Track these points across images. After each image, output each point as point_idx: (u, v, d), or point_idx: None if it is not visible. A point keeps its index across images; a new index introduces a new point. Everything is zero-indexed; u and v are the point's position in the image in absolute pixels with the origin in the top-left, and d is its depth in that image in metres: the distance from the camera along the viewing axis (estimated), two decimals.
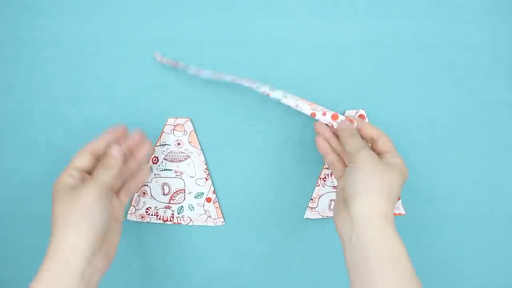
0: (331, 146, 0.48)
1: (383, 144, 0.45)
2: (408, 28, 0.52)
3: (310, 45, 0.52)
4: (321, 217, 0.52)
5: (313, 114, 0.47)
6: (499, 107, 0.53)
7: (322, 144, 0.47)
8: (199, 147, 0.52)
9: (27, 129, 0.52)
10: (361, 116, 0.52)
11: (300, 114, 0.52)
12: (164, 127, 0.52)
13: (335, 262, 0.53)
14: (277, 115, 0.52)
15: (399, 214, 0.53)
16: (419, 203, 0.53)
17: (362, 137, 0.46)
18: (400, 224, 0.53)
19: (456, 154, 0.53)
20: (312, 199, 0.52)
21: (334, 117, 0.47)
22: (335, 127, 0.47)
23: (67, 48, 0.51)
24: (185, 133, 0.52)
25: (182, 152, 0.52)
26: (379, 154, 0.45)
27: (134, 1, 0.51)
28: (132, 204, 0.52)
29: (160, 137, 0.52)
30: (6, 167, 0.52)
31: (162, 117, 0.52)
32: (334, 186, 0.52)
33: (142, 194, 0.52)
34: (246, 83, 0.47)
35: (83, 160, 0.43)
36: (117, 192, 0.47)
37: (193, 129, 0.52)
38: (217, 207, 0.52)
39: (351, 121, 0.47)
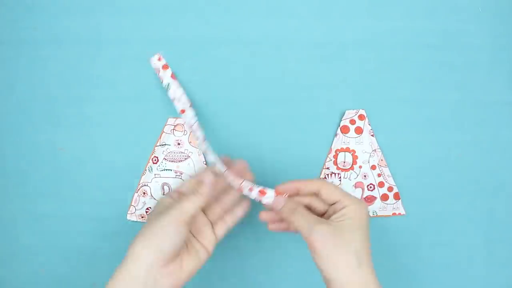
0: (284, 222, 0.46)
1: (327, 195, 0.43)
2: (408, 28, 0.52)
3: (310, 45, 0.52)
4: None
5: (239, 190, 0.45)
6: (499, 107, 0.53)
7: (276, 228, 0.46)
8: (199, 147, 0.52)
9: (26, 129, 0.52)
10: (360, 116, 0.52)
11: (299, 116, 0.52)
12: (164, 127, 0.52)
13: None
14: (278, 114, 0.52)
15: (399, 214, 0.53)
16: (419, 203, 0.53)
17: (304, 195, 0.44)
18: (400, 224, 0.53)
19: (456, 154, 0.53)
20: None
21: (262, 193, 0.44)
22: (263, 202, 0.45)
23: (67, 48, 0.51)
24: (185, 133, 0.52)
25: (182, 152, 0.52)
26: (330, 205, 0.43)
27: (134, 1, 0.51)
28: (132, 204, 0.52)
29: (160, 137, 0.52)
30: (6, 167, 0.52)
31: (162, 117, 0.52)
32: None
33: (142, 194, 0.52)
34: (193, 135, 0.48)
35: (186, 184, 0.45)
36: (214, 223, 0.46)
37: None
38: None
39: (280, 194, 0.44)
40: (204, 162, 0.52)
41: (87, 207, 0.52)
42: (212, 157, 0.46)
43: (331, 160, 0.52)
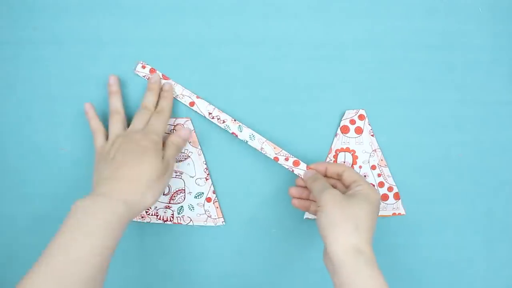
0: (308, 200, 0.50)
1: (348, 176, 0.47)
2: (408, 28, 0.52)
3: (310, 45, 0.52)
4: None
5: (276, 159, 0.50)
6: (499, 107, 0.53)
7: (298, 204, 0.49)
8: (199, 147, 0.52)
9: (27, 129, 0.52)
10: (360, 116, 0.52)
11: (300, 116, 0.52)
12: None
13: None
14: (278, 114, 0.52)
15: (399, 214, 0.53)
16: (419, 203, 0.53)
17: (330, 177, 0.49)
18: (400, 224, 0.53)
19: (456, 154, 0.53)
20: None
21: (296, 163, 0.50)
22: (295, 172, 0.50)
23: (67, 48, 0.51)
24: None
25: (182, 152, 0.52)
26: (347, 187, 0.47)
27: (134, 1, 0.51)
28: None
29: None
30: (6, 167, 0.52)
31: None
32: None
33: None
34: (216, 120, 0.50)
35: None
36: None
37: (193, 129, 0.52)
38: (217, 207, 0.52)
39: (310, 169, 0.49)
40: (204, 162, 0.52)
41: None
42: (248, 132, 0.50)
43: (331, 160, 0.52)
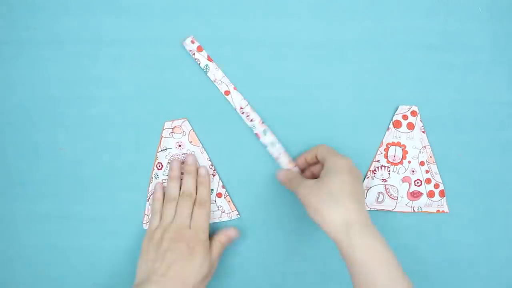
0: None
1: (320, 156, 0.47)
2: (408, 28, 0.52)
3: (310, 45, 0.52)
4: (368, 209, 0.52)
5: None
6: (499, 107, 0.53)
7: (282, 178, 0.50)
8: (201, 145, 0.52)
9: (27, 129, 0.52)
10: (413, 112, 0.52)
11: (301, 115, 0.52)
12: (162, 131, 0.52)
13: (336, 257, 0.53)
14: (277, 114, 0.52)
15: (443, 211, 0.53)
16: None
17: (314, 163, 0.50)
18: (400, 224, 0.53)
19: (456, 154, 0.53)
20: None
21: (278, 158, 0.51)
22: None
23: (67, 48, 0.51)
24: (184, 134, 0.52)
25: (184, 153, 0.52)
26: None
27: (134, 1, 0.51)
28: (146, 213, 0.52)
29: (160, 142, 0.52)
30: (6, 167, 0.52)
31: (162, 117, 0.52)
32: (384, 179, 0.52)
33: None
34: (244, 116, 0.51)
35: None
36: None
37: (191, 128, 0.52)
38: (229, 201, 0.52)
39: (292, 164, 0.51)
40: (208, 159, 0.52)
41: (87, 207, 0.52)
42: (272, 138, 0.51)
43: (381, 153, 0.52)
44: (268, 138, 0.50)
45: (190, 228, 0.47)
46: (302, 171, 0.51)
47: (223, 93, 0.51)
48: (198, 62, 0.51)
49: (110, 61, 0.51)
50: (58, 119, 0.52)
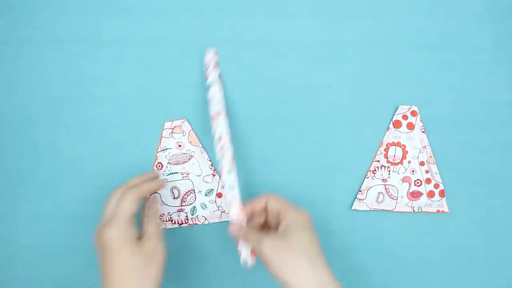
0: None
1: (272, 207, 0.45)
2: (408, 28, 0.52)
3: (310, 45, 0.52)
4: (368, 209, 0.52)
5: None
6: (499, 107, 0.53)
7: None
8: (200, 145, 0.52)
9: (27, 129, 0.52)
10: (413, 112, 0.52)
11: (301, 115, 0.52)
12: (162, 131, 0.52)
13: (336, 257, 0.53)
14: (277, 114, 0.52)
15: (443, 211, 0.53)
16: None
17: (259, 213, 0.46)
18: (400, 224, 0.53)
19: (456, 154, 0.53)
20: (361, 191, 0.52)
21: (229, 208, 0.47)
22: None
23: (67, 48, 0.51)
24: (184, 134, 0.52)
25: (184, 153, 0.52)
26: (276, 218, 0.45)
27: (134, 1, 0.51)
28: None
29: (160, 142, 0.52)
30: (6, 167, 0.52)
31: (162, 117, 0.52)
32: (384, 179, 0.52)
33: None
34: (218, 145, 0.48)
35: (134, 207, 0.43)
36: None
37: (191, 128, 0.52)
38: None
39: (240, 216, 0.46)
40: (208, 159, 0.52)
41: (87, 207, 0.52)
42: (233, 180, 0.47)
43: (381, 153, 0.52)
44: (230, 179, 0.47)
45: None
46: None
47: (212, 114, 0.49)
48: (207, 76, 0.50)
49: (110, 61, 0.51)
50: (58, 119, 0.52)
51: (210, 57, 0.50)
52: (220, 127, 0.48)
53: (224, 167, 0.47)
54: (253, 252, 0.46)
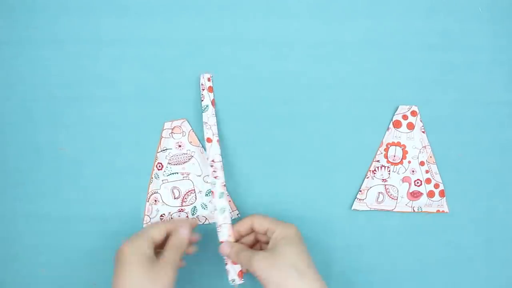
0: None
1: (259, 226, 0.46)
2: (408, 28, 0.52)
3: (310, 45, 0.52)
4: (368, 209, 0.52)
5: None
6: (499, 107, 0.53)
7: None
8: (200, 145, 0.52)
9: (27, 129, 0.52)
10: (413, 112, 0.52)
11: (301, 115, 0.52)
12: (161, 132, 0.52)
13: (336, 257, 0.53)
14: (277, 114, 0.52)
15: (443, 211, 0.53)
16: None
17: (246, 234, 0.47)
18: (400, 224, 0.53)
19: (456, 154, 0.53)
20: (361, 191, 0.52)
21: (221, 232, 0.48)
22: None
23: (68, 48, 0.51)
24: (183, 134, 0.52)
25: (184, 153, 0.52)
26: (264, 235, 0.46)
27: (134, 1, 0.51)
28: (146, 214, 0.52)
29: (160, 142, 0.52)
30: (6, 167, 0.52)
31: (162, 117, 0.52)
32: (384, 179, 0.52)
33: (154, 202, 0.52)
34: (211, 170, 0.49)
35: (159, 233, 0.45)
36: None
37: (191, 128, 0.52)
38: (229, 201, 0.52)
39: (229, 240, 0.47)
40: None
41: (87, 207, 0.52)
42: (224, 204, 0.48)
43: (381, 153, 0.52)
44: (221, 202, 0.48)
45: None
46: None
47: (206, 139, 0.49)
48: (202, 99, 0.50)
49: (110, 61, 0.51)
50: (58, 119, 0.52)
51: (205, 81, 0.51)
52: (213, 151, 0.49)
53: (216, 191, 0.48)
54: (241, 272, 0.47)
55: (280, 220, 0.46)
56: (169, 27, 0.51)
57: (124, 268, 0.42)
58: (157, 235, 0.45)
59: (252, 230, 0.47)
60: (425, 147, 0.52)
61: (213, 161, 0.49)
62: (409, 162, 0.53)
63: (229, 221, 0.48)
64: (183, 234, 0.46)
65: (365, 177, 0.52)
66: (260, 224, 0.46)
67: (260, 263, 0.42)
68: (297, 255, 0.42)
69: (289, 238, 0.43)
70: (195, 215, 0.52)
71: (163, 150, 0.52)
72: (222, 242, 0.47)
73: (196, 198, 0.52)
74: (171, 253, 0.44)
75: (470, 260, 0.53)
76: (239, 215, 0.52)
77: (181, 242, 0.45)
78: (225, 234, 0.47)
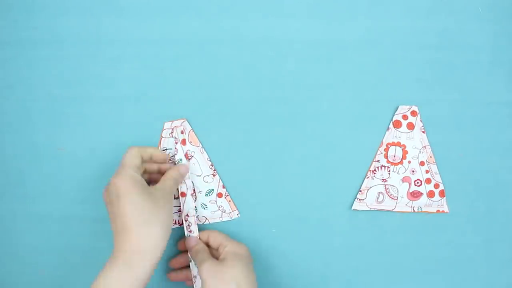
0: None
1: (214, 240, 0.49)
2: (408, 28, 0.52)
3: (310, 45, 0.52)
4: (368, 209, 0.52)
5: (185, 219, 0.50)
6: (499, 107, 0.53)
7: (174, 277, 0.51)
8: (200, 145, 0.52)
9: (26, 129, 0.52)
10: (413, 112, 0.52)
11: (301, 115, 0.52)
12: (161, 132, 0.52)
13: (336, 257, 0.53)
14: (277, 114, 0.52)
15: (443, 211, 0.53)
16: None
17: (209, 246, 0.49)
18: (400, 224, 0.53)
19: (456, 154, 0.53)
20: (361, 191, 0.52)
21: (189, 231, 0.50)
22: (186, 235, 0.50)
23: (67, 48, 0.51)
24: (183, 135, 0.52)
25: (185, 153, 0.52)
26: (217, 251, 0.48)
27: (134, 1, 0.51)
28: None
29: (160, 142, 0.52)
30: (6, 167, 0.52)
31: (162, 117, 0.52)
32: (384, 179, 0.52)
33: None
34: (186, 228, 0.50)
35: (136, 157, 0.46)
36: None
37: (191, 128, 0.52)
38: (229, 201, 0.52)
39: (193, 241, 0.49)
40: (208, 159, 0.52)
41: (87, 207, 0.52)
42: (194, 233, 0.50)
43: (382, 153, 0.52)
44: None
45: None
46: None
47: (180, 193, 0.50)
48: (175, 152, 0.51)
49: (110, 61, 0.51)
50: (58, 119, 0.52)
51: (177, 133, 0.51)
52: (187, 205, 0.50)
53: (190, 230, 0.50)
54: (189, 282, 0.50)
55: (231, 239, 0.49)
56: (169, 27, 0.51)
57: (124, 199, 0.42)
58: (136, 160, 0.45)
59: (208, 244, 0.49)
60: (425, 147, 0.52)
61: (187, 215, 0.50)
62: (409, 162, 0.53)
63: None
64: (184, 169, 0.49)
65: (365, 177, 0.52)
66: (215, 239, 0.49)
67: (209, 269, 0.44)
68: (242, 273, 0.44)
69: (239, 255, 0.46)
70: (196, 215, 0.52)
71: (163, 150, 0.52)
72: (190, 235, 0.50)
73: (196, 198, 0.52)
74: (168, 182, 0.46)
75: (470, 260, 0.53)
76: (239, 215, 0.52)
77: (181, 175, 0.48)
78: (196, 232, 0.50)
